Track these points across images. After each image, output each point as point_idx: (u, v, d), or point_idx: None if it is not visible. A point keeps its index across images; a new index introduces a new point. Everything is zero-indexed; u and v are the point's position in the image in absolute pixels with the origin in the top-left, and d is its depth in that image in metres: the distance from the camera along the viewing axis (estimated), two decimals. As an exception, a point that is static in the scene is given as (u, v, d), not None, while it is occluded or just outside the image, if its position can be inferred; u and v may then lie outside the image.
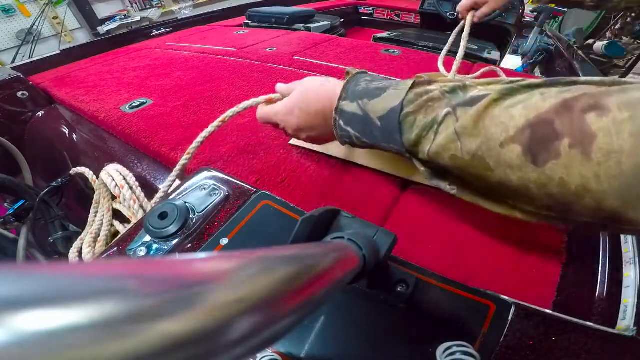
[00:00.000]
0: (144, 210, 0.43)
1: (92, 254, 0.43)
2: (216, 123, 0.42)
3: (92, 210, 0.47)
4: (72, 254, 0.45)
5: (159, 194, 0.40)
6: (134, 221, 0.42)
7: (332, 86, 0.35)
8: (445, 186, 0.31)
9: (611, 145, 0.19)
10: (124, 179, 0.44)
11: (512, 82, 0.25)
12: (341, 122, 0.33)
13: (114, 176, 0.44)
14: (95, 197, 0.48)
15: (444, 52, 0.72)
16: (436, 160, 0.28)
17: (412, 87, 0.29)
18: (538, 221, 0.26)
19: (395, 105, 0.29)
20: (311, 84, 0.36)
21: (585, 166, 0.20)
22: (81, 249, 0.44)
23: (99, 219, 0.46)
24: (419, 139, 0.28)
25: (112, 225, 0.46)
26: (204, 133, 0.42)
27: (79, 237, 0.47)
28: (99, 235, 0.45)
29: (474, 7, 0.69)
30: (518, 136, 0.22)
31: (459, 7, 0.71)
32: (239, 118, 0.55)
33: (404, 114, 0.28)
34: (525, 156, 0.22)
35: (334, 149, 0.47)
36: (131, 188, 0.44)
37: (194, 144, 0.42)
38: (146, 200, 0.44)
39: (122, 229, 0.46)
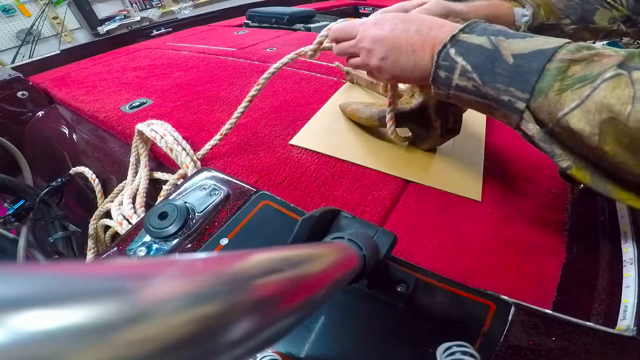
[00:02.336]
0: (188, 155, 0.44)
1: (133, 210, 0.44)
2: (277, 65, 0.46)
3: (130, 169, 0.49)
4: (115, 210, 0.45)
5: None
6: (183, 165, 0.43)
7: (445, 21, 0.33)
8: (561, 156, 0.27)
9: None
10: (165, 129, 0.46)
11: None
12: (451, 50, 0.30)
13: (154, 128, 0.45)
14: (133, 155, 0.49)
15: None
16: (571, 122, 0.25)
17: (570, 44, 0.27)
18: None
19: (546, 48, 0.26)
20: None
21: None
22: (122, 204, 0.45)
23: (138, 176, 0.48)
24: (563, 90, 0.25)
25: (150, 180, 0.47)
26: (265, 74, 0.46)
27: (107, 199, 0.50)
28: (137, 192, 0.46)
29: None
30: None
31: None
32: (239, 118, 0.55)
33: (557, 59, 0.25)
34: None
35: (335, 149, 0.47)
36: (172, 136, 0.45)
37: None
38: (188, 146, 0.45)
39: (167, 177, 0.46)
